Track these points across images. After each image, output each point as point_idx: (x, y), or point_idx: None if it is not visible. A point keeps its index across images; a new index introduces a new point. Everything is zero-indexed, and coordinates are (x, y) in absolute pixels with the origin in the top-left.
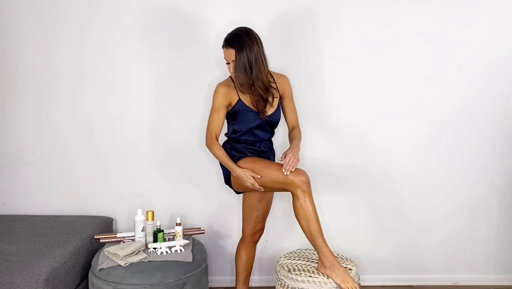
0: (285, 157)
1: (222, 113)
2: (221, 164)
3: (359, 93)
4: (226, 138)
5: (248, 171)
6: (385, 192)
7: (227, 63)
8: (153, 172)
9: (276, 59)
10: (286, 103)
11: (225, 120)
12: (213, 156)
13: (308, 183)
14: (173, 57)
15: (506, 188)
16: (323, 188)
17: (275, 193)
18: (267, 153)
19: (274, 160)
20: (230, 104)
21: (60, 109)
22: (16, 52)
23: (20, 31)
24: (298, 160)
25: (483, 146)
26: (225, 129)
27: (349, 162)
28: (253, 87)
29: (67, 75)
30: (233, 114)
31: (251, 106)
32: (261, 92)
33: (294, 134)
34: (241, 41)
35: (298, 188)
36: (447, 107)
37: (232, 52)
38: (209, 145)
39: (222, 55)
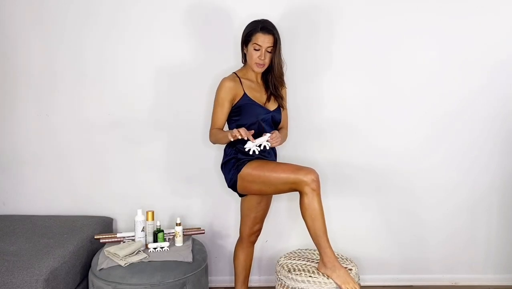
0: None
1: (226, 107)
2: (223, 168)
3: (360, 93)
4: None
5: (235, 131)
6: (385, 192)
7: (256, 50)
8: (153, 172)
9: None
10: (281, 110)
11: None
12: (212, 156)
13: (318, 181)
14: (173, 58)
15: (506, 188)
16: (323, 188)
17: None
18: (270, 152)
19: (276, 159)
20: (234, 99)
21: (60, 109)
22: (17, 52)
23: (20, 31)
24: (279, 141)
25: (483, 146)
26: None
27: (348, 162)
28: (273, 75)
29: (67, 76)
30: (239, 110)
31: (257, 100)
32: (276, 82)
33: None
34: (277, 31)
35: (307, 186)
36: (447, 107)
37: (271, 38)
38: (209, 136)
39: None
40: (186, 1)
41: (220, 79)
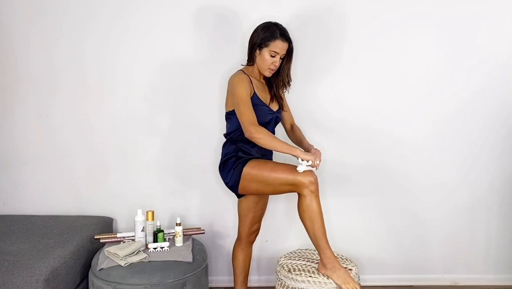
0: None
1: (250, 101)
2: (221, 168)
3: (360, 94)
4: (226, 139)
5: (312, 154)
6: (385, 192)
7: (272, 56)
8: (153, 172)
9: None
10: (284, 103)
11: (227, 119)
12: (213, 156)
13: (316, 183)
14: (173, 58)
15: (506, 188)
16: (323, 188)
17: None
18: (269, 151)
19: (272, 157)
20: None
21: (60, 109)
22: (16, 52)
23: (20, 31)
24: (320, 152)
25: (484, 146)
26: (222, 129)
27: (349, 162)
28: (278, 78)
29: (67, 75)
30: None
31: (264, 100)
32: (280, 84)
33: (299, 133)
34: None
35: (306, 188)
36: (448, 107)
37: (286, 45)
38: (256, 132)
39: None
40: (186, 1)
41: (221, 80)
